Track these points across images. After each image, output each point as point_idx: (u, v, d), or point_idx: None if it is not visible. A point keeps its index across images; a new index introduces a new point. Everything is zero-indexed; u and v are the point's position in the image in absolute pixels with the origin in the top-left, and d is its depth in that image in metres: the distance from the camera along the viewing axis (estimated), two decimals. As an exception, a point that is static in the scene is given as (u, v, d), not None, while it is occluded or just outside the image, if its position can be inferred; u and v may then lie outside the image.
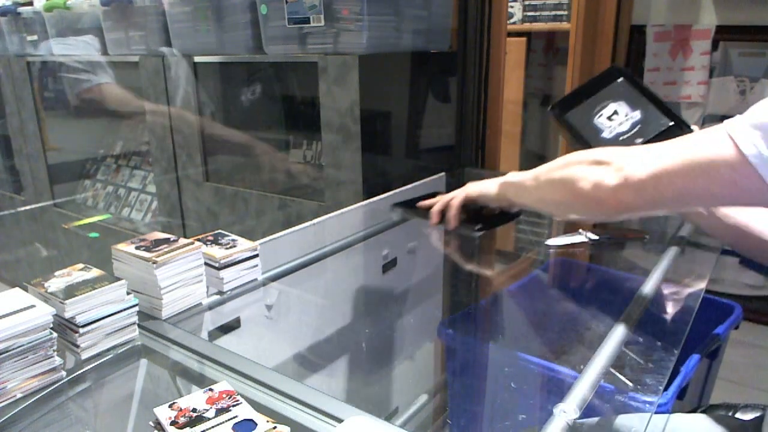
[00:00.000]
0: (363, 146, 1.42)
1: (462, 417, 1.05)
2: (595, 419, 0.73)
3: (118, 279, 0.73)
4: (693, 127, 0.93)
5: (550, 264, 1.22)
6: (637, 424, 0.71)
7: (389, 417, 1.07)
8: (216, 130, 1.80)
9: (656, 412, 0.85)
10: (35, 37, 2.24)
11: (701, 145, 0.64)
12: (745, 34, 1.61)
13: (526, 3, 2.45)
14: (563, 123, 0.99)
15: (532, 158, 2.71)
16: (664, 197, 0.68)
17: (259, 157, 1.81)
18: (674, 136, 0.69)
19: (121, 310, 0.73)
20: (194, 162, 1.85)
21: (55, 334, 0.65)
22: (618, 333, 0.72)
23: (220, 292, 0.88)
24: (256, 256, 0.92)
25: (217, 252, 0.87)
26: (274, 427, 0.53)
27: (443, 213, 1.13)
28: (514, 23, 2.48)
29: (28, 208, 2.54)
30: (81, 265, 0.76)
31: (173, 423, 0.54)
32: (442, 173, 1.55)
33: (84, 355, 0.70)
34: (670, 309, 0.90)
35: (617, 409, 0.72)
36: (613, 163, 0.73)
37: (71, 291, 0.69)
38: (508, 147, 2.37)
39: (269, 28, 1.52)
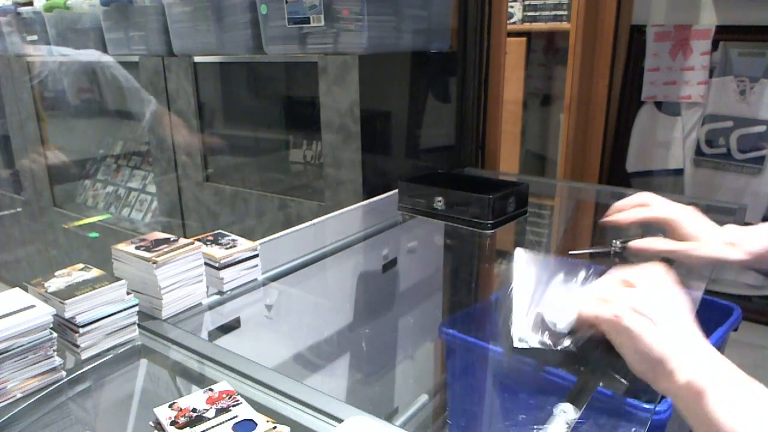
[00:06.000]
0: (363, 146, 1.42)
1: (462, 417, 1.05)
2: (595, 421, 0.73)
3: (118, 279, 0.73)
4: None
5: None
6: (636, 425, 0.71)
7: (389, 417, 1.06)
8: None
9: (656, 418, 0.85)
10: (35, 37, 2.24)
11: None
12: (745, 34, 1.61)
13: (526, 3, 2.45)
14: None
15: (532, 158, 2.71)
16: None
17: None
18: None
19: (121, 310, 0.73)
20: (194, 162, 1.85)
21: (55, 334, 0.65)
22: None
23: (220, 292, 0.88)
24: (256, 256, 0.92)
25: (217, 252, 0.87)
26: (274, 427, 0.53)
27: None
28: (514, 23, 2.48)
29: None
30: (81, 265, 0.76)
31: (173, 423, 0.54)
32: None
33: (84, 355, 0.70)
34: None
35: (616, 415, 0.71)
36: None
37: (71, 291, 0.69)
38: (508, 147, 2.37)
39: (269, 28, 1.52)
